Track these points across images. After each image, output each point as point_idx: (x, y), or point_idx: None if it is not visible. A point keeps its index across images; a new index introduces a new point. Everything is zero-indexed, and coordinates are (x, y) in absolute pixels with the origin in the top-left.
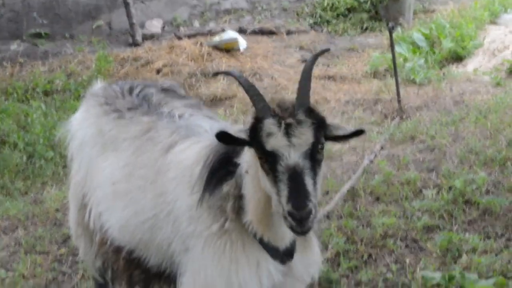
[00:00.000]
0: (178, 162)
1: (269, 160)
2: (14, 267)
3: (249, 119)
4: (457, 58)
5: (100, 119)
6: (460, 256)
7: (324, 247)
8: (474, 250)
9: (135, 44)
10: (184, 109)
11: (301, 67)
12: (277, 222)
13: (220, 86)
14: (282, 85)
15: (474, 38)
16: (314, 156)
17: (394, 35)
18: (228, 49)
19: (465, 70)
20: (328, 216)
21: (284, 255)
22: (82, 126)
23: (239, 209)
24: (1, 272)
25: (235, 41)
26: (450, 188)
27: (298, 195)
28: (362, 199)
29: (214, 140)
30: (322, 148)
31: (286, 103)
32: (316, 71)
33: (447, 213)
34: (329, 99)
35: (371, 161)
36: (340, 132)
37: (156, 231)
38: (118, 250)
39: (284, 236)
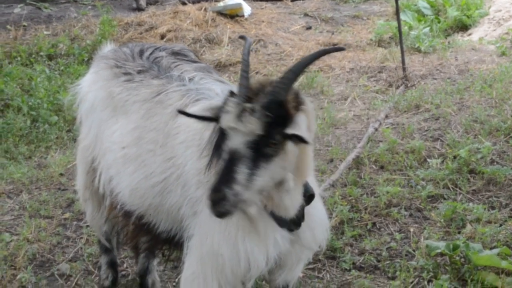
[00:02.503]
0: (188, 126)
1: (220, 136)
2: (19, 231)
3: None
4: (462, 26)
5: (110, 81)
6: (464, 226)
7: (329, 215)
8: (478, 220)
9: (139, 9)
10: (195, 73)
11: (305, 34)
12: (277, 196)
13: (224, 52)
14: (286, 52)
15: (479, 6)
16: (260, 149)
17: (399, 2)
18: (232, 15)
19: (470, 39)
20: (332, 184)
21: (292, 224)
22: (91, 88)
23: None
24: (6, 236)
25: (239, 7)
26: (454, 157)
27: (221, 178)
28: (366, 167)
29: None
30: (275, 144)
31: (261, 88)
32: (321, 38)
33: (452, 183)
34: (333, 67)
35: (376, 129)
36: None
37: (166, 195)
38: (128, 214)
39: (287, 208)
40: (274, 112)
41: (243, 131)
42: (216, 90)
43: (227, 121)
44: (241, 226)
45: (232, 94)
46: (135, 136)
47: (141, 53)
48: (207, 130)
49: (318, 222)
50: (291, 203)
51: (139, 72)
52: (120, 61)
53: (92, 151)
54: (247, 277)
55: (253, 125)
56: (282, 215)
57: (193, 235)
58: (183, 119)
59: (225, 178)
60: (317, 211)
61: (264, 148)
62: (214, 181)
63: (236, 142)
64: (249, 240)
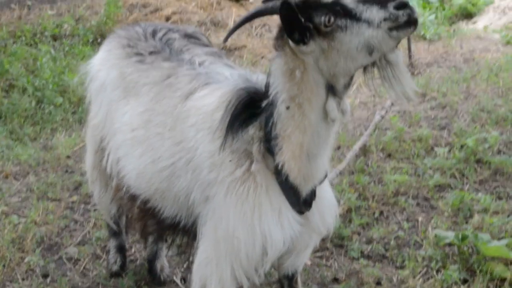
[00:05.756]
0: (198, 109)
1: (338, 16)
2: (26, 214)
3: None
4: (467, 15)
5: (122, 61)
6: (471, 216)
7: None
8: (485, 210)
9: None
10: (205, 57)
11: None
12: (314, 157)
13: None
14: None
15: None
16: None
17: None
18: None
19: (475, 27)
20: (340, 172)
21: (303, 204)
22: (103, 67)
23: (264, 152)
24: (14, 218)
25: None
26: (462, 146)
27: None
28: (373, 155)
29: (235, 86)
30: None
31: None
32: None
33: (459, 172)
34: None
35: (382, 117)
36: None
37: (174, 180)
38: (133, 198)
39: (316, 174)
40: None
41: None
42: (225, 73)
43: None
44: (257, 204)
45: None
46: (144, 119)
47: (153, 33)
48: (217, 112)
49: (327, 206)
50: (320, 166)
51: (150, 53)
52: (133, 41)
53: (101, 130)
54: (264, 260)
55: None
56: (308, 186)
57: (207, 221)
58: (193, 102)
59: None
60: (326, 194)
61: None
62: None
63: None
64: (266, 219)
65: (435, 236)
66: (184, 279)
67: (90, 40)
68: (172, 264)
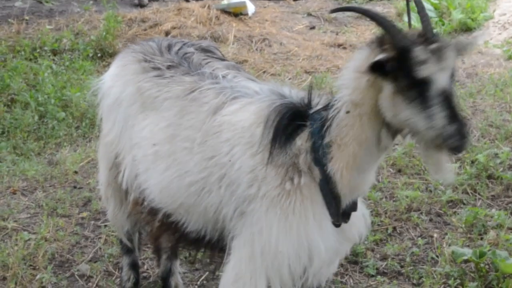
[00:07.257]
0: (232, 124)
1: (416, 88)
2: (36, 230)
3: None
4: (467, 29)
5: (138, 76)
6: (486, 232)
7: None
8: (500, 226)
9: (141, 5)
10: (226, 70)
11: (309, 33)
12: (363, 171)
13: (230, 50)
14: (292, 52)
15: (484, 9)
16: (453, 76)
17: (402, 4)
18: (236, 13)
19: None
20: None
21: (342, 216)
22: (116, 83)
23: (310, 163)
24: (24, 234)
25: (243, 5)
26: (472, 162)
27: (458, 115)
28: (384, 171)
29: (272, 101)
30: None
31: (419, 32)
32: (326, 38)
33: (471, 188)
34: (341, 67)
35: None
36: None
37: (204, 195)
38: (154, 212)
39: (363, 186)
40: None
41: (448, 66)
42: (254, 88)
43: (431, 67)
44: (303, 216)
45: (403, 48)
46: (168, 133)
47: (169, 47)
48: (257, 127)
49: (359, 216)
50: (370, 176)
51: (168, 67)
52: (148, 55)
53: (116, 147)
54: (307, 272)
55: (452, 57)
56: (354, 196)
57: (241, 234)
58: (223, 117)
59: (458, 113)
60: (359, 203)
61: (454, 74)
62: (452, 121)
63: (445, 80)
64: (312, 232)
65: (452, 252)
66: None
67: (90, 55)
68: (185, 281)
